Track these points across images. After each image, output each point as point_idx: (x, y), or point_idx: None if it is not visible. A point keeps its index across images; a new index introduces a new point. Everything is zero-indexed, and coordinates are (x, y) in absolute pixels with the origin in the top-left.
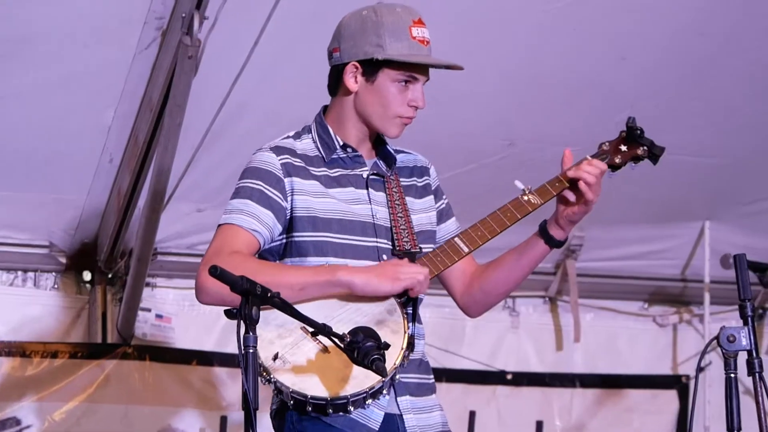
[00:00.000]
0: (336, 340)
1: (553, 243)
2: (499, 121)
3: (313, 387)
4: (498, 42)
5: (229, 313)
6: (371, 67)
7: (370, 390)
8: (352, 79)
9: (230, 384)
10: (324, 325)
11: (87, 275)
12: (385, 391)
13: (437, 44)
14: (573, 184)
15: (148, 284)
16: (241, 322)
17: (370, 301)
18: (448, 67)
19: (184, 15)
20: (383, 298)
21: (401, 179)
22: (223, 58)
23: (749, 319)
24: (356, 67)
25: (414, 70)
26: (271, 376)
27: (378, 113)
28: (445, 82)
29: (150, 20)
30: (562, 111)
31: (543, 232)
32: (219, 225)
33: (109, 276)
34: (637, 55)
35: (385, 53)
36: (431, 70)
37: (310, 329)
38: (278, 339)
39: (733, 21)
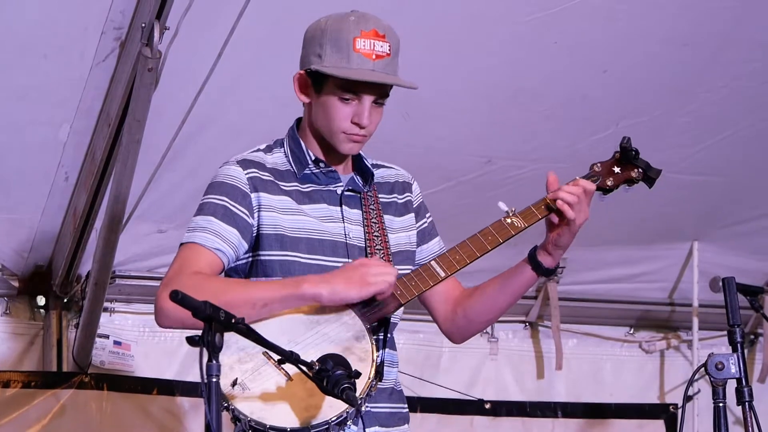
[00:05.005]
0: (304, 368)
1: (540, 270)
2: (476, 138)
3: (274, 416)
4: (475, 55)
5: (191, 340)
6: (317, 79)
7: (333, 420)
8: (303, 89)
9: (193, 414)
10: (291, 352)
11: (41, 300)
12: (350, 422)
13: (409, 58)
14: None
15: (105, 309)
16: (204, 349)
17: (338, 326)
18: (394, 84)
19: (143, 25)
20: (352, 324)
21: (381, 195)
22: (185, 71)
23: (738, 345)
24: (305, 78)
25: (354, 87)
26: (229, 403)
27: (325, 127)
28: (419, 97)
29: (108, 30)
30: (541, 126)
31: (531, 258)
32: (181, 244)
33: (65, 301)
34: (620, 67)
35: (321, 64)
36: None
37: (275, 356)
38: (238, 364)
39: (719, 32)
